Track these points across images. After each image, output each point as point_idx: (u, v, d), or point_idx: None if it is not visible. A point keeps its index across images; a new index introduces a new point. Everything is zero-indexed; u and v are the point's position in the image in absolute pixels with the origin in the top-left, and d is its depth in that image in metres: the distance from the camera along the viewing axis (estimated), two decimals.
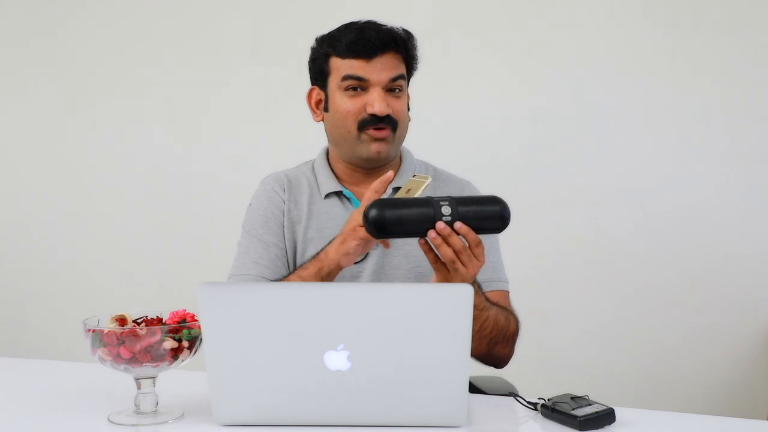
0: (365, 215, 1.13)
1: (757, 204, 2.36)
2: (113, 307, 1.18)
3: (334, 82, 1.44)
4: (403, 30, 1.46)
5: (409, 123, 1.51)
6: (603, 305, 2.46)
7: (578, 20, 2.46)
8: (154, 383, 1.13)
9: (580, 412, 1.07)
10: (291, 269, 1.48)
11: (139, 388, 1.13)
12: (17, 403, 1.23)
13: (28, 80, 2.95)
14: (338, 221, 1.47)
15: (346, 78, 1.42)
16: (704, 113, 2.39)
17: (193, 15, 2.78)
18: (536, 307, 2.36)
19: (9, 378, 1.43)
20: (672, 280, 2.41)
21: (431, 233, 1.13)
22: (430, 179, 1.26)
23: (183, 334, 1.09)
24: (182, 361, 1.11)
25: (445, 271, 1.18)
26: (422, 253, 1.21)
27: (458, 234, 1.14)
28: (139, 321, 1.13)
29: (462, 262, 1.16)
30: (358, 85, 1.41)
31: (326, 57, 1.45)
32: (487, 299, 1.33)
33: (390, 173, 1.26)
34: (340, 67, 1.43)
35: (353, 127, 1.42)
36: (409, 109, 1.51)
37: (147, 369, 1.09)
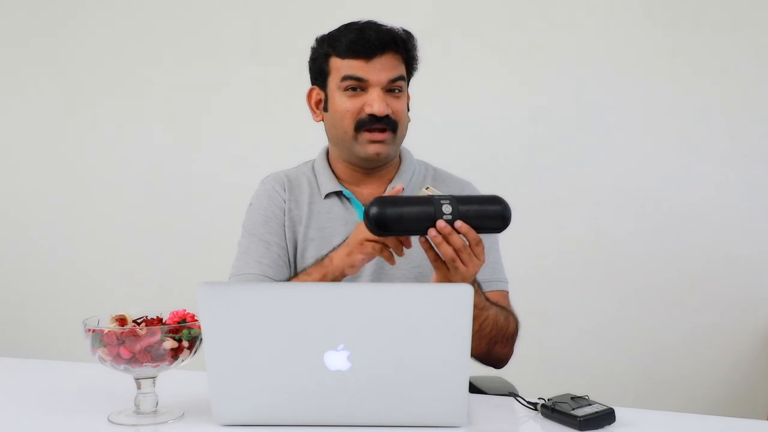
0: (366, 212, 1.13)
1: (757, 204, 2.36)
2: (113, 307, 1.18)
3: (333, 82, 1.44)
4: (404, 30, 1.46)
5: (409, 123, 1.51)
6: (603, 305, 2.46)
7: (578, 20, 2.46)
8: (154, 383, 1.13)
9: (580, 412, 1.07)
10: (292, 269, 1.48)
11: (139, 388, 1.13)
12: (17, 403, 1.23)
13: (28, 80, 2.94)
14: (338, 221, 1.48)
15: (345, 78, 1.42)
16: (704, 113, 2.39)
17: (193, 15, 2.78)
18: (536, 307, 2.36)
19: (9, 378, 1.43)
20: (672, 280, 2.41)
21: (432, 231, 1.13)
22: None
23: (183, 334, 1.09)
24: (182, 361, 1.11)
25: (445, 269, 1.18)
26: (422, 253, 1.21)
27: (459, 233, 1.14)
28: (139, 321, 1.13)
29: (462, 261, 1.16)
30: (357, 86, 1.41)
31: (326, 57, 1.45)
32: (487, 299, 1.33)
33: (400, 187, 1.26)
34: (340, 67, 1.43)
35: (350, 127, 1.42)
36: (409, 110, 1.51)
37: (147, 369, 1.09)
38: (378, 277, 1.45)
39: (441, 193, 1.23)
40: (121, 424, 1.10)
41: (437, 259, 1.18)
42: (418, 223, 1.14)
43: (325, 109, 1.48)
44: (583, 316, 2.48)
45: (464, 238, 1.15)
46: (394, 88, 1.43)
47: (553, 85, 2.48)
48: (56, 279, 2.93)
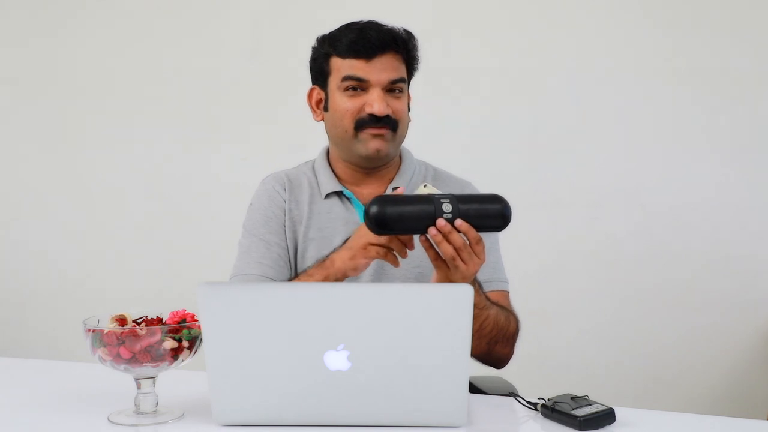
0: (366, 211, 1.13)
1: (757, 204, 2.36)
2: (113, 307, 1.18)
3: (334, 82, 1.44)
4: (404, 30, 1.46)
5: (410, 123, 1.51)
6: (603, 305, 2.46)
7: (578, 20, 2.46)
8: (154, 383, 1.13)
9: (580, 412, 1.07)
10: (292, 269, 1.48)
11: (139, 388, 1.13)
12: (17, 403, 1.23)
13: (28, 80, 2.94)
14: (339, 221, 1.48)
15: (346, 78, 1.42)
16: (704, 113, 2.39)
17: (193, 15, 2.78)
18: (536, 307, 2.36)
19: (9, 378, 1.43)
20: (672, 280, 2.41)
21: (432, 230, 1.13)
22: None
23: (183, 334, 1.09)
24: (182, 361, 1.11)
25: (445, 268, 1.18)
26: (423, 253, 1.21)
27: (459, 231, 1.14)
28: (139, 321, 1.13)
29: (462, 260, 1.16)
30: (358, 86, 1.41)
31: (327, 57, 1.46)
32: (488, 298, 1.33)
33: (402, 189, 1.27)
34: (341, 67, 1.43)
35: (350, 127, 1.42)
36: (409, 110, 1.51)
37: (147, 369, 1.09)
38: (378, 277, 1.45)
39: (439, 191, 1.23)
40: (121, 424, 1.10)
41: (437, 258, 1.18)
42: (419, 222, 1.14)
43: (326, 109, 1.48)
44: (583, 316, 2.48)
45: (464, 237, 1.15)
46: (395, 88, 1.43)
47: (553, 86, 2.48)
48: (56, 279, 2.93)
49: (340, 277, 1.29)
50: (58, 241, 2.92)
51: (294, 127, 2.33)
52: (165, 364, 1.09)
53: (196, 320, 1.12)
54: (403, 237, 1.22)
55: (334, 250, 1.31)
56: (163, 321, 1.13)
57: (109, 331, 1.07)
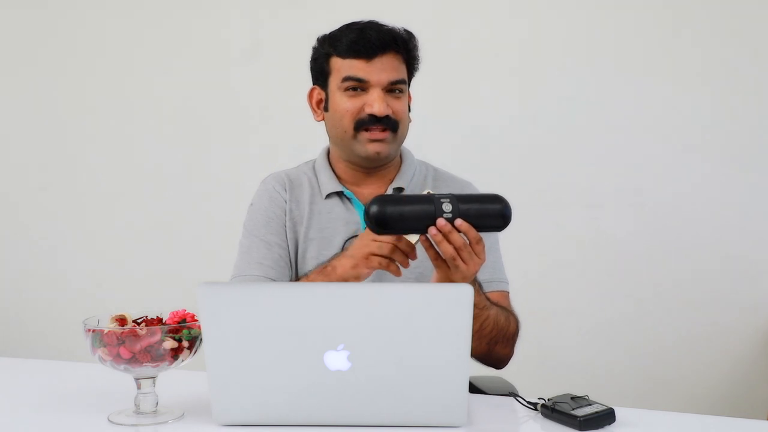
0: (366, 211, 1.13)
1: (757, 204, 2.36)
2: (113, 307, 1.18)
3: (334, 82, 1.44)
4: (405, 30, 1.46)
5: (410, 124, 1.51)
6: (603, 305, 2.46)
7: (578, 20, 2.46)
8: (154, 383, 1.13)
9: (580, 412, 1.07)
10: (293, 269, 1.47)
11: (139, 388, 1.13)
12: (17, 403, 1.23)
13: (28, 80, 2.94)
14: (339, 221, 1.47)
15: (346, 79, 1.42)
16: (704, 113, 2.39)
17: (193, 15, 2.78)
18: (536, 307, 2.36)
19: (9, 378, 1.43)
20: (672, 280, 2.41)
21: (432, 230, 1.13)
22: None
23: (183, 334, 1.09)
24: (182, 361, 1.11)
25: (445, 268, 1.18)
26: (423, 253, 1.21)
27: (459, 231, 1.14)
28: (139, 321, 1.13)
29: (463, 260, 1.16)
30: (358, 86, 1.41)
31: (327, 57, 1.46)
32: (488, 299, 1.33)
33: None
34: (341, 67, 1.43)
35: (350, 127, 1.42)
36: (410, 110, 1.51)
37: (147, 369, 1.09)
38: (379, 278, 1.44)
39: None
40: (121, 424, 1.10)
41: (438, 258, 1.18)
42: (419, 222, 1.14)
43: (326, 109, 1.48)
44: (583, 316, 2.48)
45: (465, 237, 1.15)
46: (395, 88, 1.43)
47: (553, 85, 2.48)
48: (56, 279, 2.93)
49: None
50: (58, 242, 2.92)
51: (294, 127, 2.33)
52: (165, 364, 1.09)
53: (196, 320, 1.12)
54: (406, 247, 1.22)
55: (335, 257, 1.31)
56: (163, 321, 1.13)
57: (109, 331, 1.07)
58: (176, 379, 1.20)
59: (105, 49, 2.86)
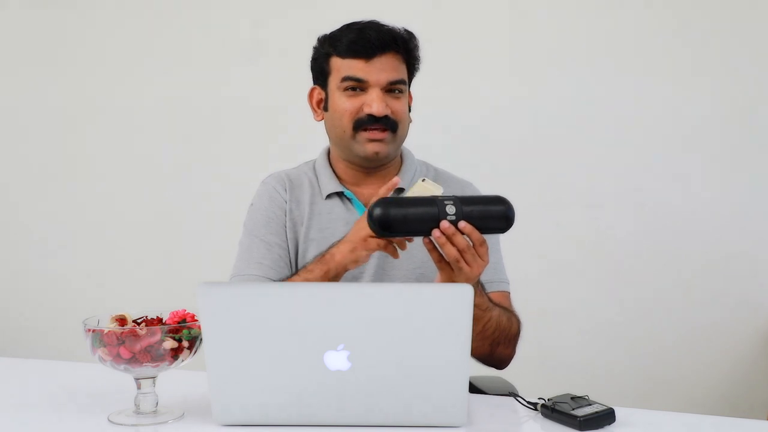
0: (370, 213, 1.13)
1: (757, 204, 2.36)
2: (113, 307, 1.18)
3: (333, 82, 1.44)
4: (405, 30, 1.46)
5: (411, 124, 1.51)
6: (603, 305, 2.46)
7: (578, 20, 2.46)
8: (154, 383, 1.13)
9: (580, 412, 1.07)
10: (293, 269, 1.47)
11: (139, 388, 1.13)
12: (17, 403, 1.23)
13: (28, 80, 2.94)
14: (340, 222, 1.47)
15: (345, 79, 1.42)
16: (704, 113, 2.39)
17: (193, 15, 2.78)
18: (536, 307, 2.36)
19: (9, 378, 1.43)
20: (672, 280, 2.41)
21: (435, 232, 1.13)
22: (441, 190, 1.25)
23: (183, 334, 1.09)
24: (182, 361, 1.11)
25: (449, 270, 1.18)
26: (424, 254, 1.21)
27: (462, 233, 1.14)
28: (139, 321, 1.13)
29: (466, 262, 1.16)
30: (357, 86, 1.41)
31: (327, 57, 1.46)
32: (490, 300, 1.33)
33: (396, 179, 1.27)
34: (340, 67, 1.43)
35: (349, 127, 1.42)
36: (410, 110, 1.51)
37: (147, 369, 1.09)
38: (379, 278, 1.45)
39: (436, 185, 1.23)
40: (121, 424, 1.10)
41: (441, 260, 1.18)
42: (422, 224, 1.14)
43: (326, 109, 1.49)
44: (583, 316, 2.48)
45: (468, 239, 1.15)
46: (394, 88, 1.43)
47: (553, 85, 2.48)
48: (56, 279, 2.93)
49: (341, 271, 1.29)
50: (59, 241, 2.92)
51: (294, 127, 2.33)
52: (165, 364, 1.10)
53: (196, 320, 1.12)
54: None
55: (333, 245, 1.31)
56: (163, 321, 1.13)
57: (109, 331, 1.07)
58: (176, 379, 1.20)
59: (105, 48, 2.86)
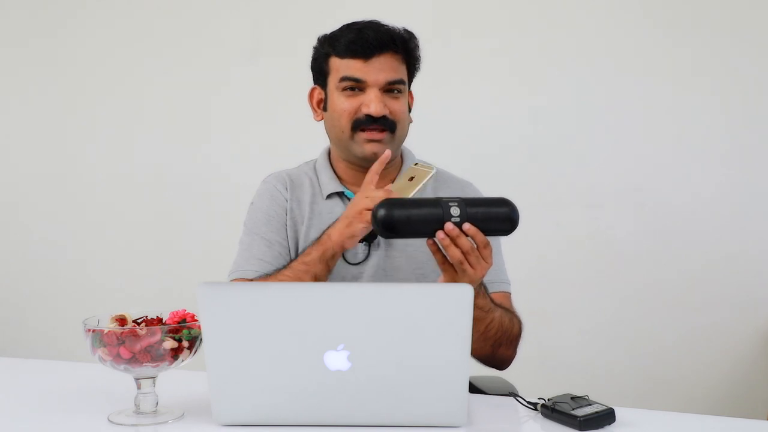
0: (374, 215, 1.13)
1: (757, 204, 2.36)
2: (113, 307, 1.18)
3: (332, 82, 1.44)
4: (405, 30, 1.46)
5: (411, 124, 1.51)
6: (603, 305, 2.46)
7: (578, 20, 2.46)
8: (154, 383, 1.13)
9: (580, 412, 1.07)
10: None
11: (139, 388, 1.13)
12: (17, 403, 1.23)
13: (28, 80, 2.95)
14: None
15: (343, 79, 1.42)
16: (704, 113, 2.39)
17: (193, 15, 2.78)
18: (536, 307, 2.35)
19: (9, 378, 1.43)
20: (672, 280, 2.41)
21: (440, 234, 1.13)
22: (434, 170, 1.26)
23: (183, 334, 1.09)
24: (182, 361, 1.11)
25: (452, 272, 1.18)
26: (425, 255, 1.21)
27: (466, 235, 1.14)
28: (139, 321, 1.13)
29: (470, 264, 1.16)
30: (355, 86, 1.41)
31: (326, 57, 1.46)
32: (492, 301, 1.33)
33: (388, 152, 1.27)
34: (339, 67, 1.43)
35: (347, 127, 1.42)
36: (411, 110, 1.51)
37: (147, 369, 1.09)
38: (379, 279, 1.44)
39: (429, 166, 1.22)
40: (121, 424, 1.10)
41: (445, 262, 1.18)
42: (426, 226, 1.13)
43: (325, 109, 1.49)
44: (583, 316, 2.48)
45: (472, 241, 1.15)
46: (393, 89, 1.42)
47: (553, 85, 2.48)
48: (56, 279, 2.93)
49: (338, 250, 1.30)
50: (59, 241, 2.92)
51: (294, 127, 2.33)
52: (165, 364, 1.09)
53: (196, 320, 1.12)
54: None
55: (329, 226, 1.32)
56: (163, 321, 1.13)
57: (109, 331, 1.07)
58: (176, 379, 1.20)
59: (105, 49, 2.86)
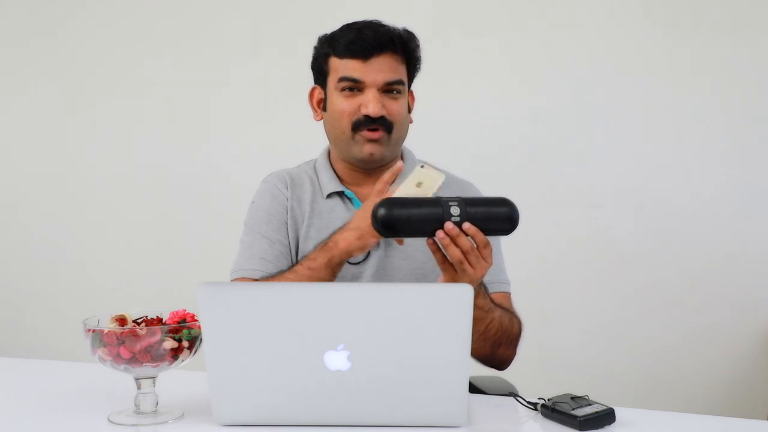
0: (373, 213, 1.13)
1: (757, 204, 2.36)
2: (113, 307, 1.18)
3: (332, 82, 1.44)
4: (405, 30, 1.45)
5: (411, 124, 1.51)
6: (603, 305, 2.46)
7: (578, 20, 2.46)
8: (154, 383, 1.13)
9: (580, 412, 1.07)
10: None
11: (139, 388, 1.13)
12: (17, 403, 1.23)
13: (28, 80, 2.94)
14: (340, 221, 1.46)
15: (342, 79, 1.42)
16: (704, 113, 2.39)
17: (193, 15, 2.78)
18: (536, 307, 2.36)
19: (9, 378, 1.43)
20: (672, 280, 2.41)
21: (439, 233, 1.13)
22: (443, 178, 1.23)
23: (183, 334, 1.09)
24: (182, 361, 1.11)
25: (452, 271, 1.18)
26: (425, 255, 1.20)
27: (466, 235, 1.14)
28: (139, 321, 1.13)
29: (470, 263, 1.16)
30: (354, 86, 1.41)
31: (326, 57, 1.46)
32: (492, 301, 1.33)
33: (401, 164, 1.26)
34: (338, 67, 1.43)
35: (347, 128, 1.42)
36: (411, 111, 1.51)
37: (147, 369, 1.09)
38: (379, 279, 1.44)
39: (437, 169, 1.22)
40: (121, 424, 1.10)
41: (445, 261, 1.18)
42: (426, 225, 1.13)
43: (324, 109, 1.49)
44: (583, 316, 2.48)
45: (472, 240, 1.15)
46: (392, 89, 1.42)
47: (553, 85, 2.48)
48: (56, 279, 2.93)
49: (344, 258, 1.29)
50: (59, 241, 2.92)
51: (294, 127, 2.33)
52: (165, 364, 1.09)
53: (196, 320, 1.12)
54: None
55: (336, 232, 1.31)
56: (163, 321, 1.13)
57: (109, 331, 1.07)
58: (176, 379, 1.20)
59: (105, 49, 2.86)
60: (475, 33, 2.54)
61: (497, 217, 1.15)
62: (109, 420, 1.11)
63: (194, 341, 1.11)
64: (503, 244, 1.53)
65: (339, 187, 1.49)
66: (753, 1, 2.34)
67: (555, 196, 2.48)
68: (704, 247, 2.39)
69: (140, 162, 2.83)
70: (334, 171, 1.52)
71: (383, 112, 1.40)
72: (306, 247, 1.47)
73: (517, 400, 1.19)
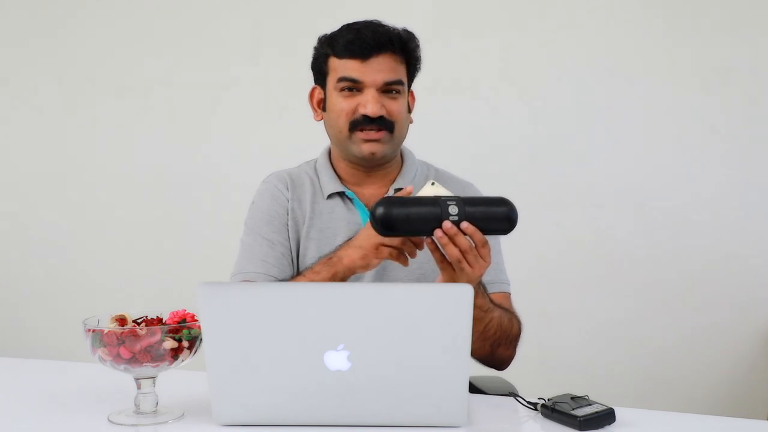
0: (372, 212, 1.13)
1: (757, 204, 2.36)
2: (113, 307, 1.18)
3: (331, 82, 1.45)
4: (404, 30, 1.46)
5: (411, 124, 1.50)
6: (603, 305, 2.46)
7: (578, 20, 2.46)
8: (154, 383, 1.13)
9: (580, 412, 1.07)
10: (294, 268, 1.47)
11: (139, 388, 1.13)
12: (17, 403, 1.23)
13: (28, 80, 2.94)
14: (341, 221, 1.47)
15: (341, 79, 1.42)
16: (704, 113, 2.39)
17: (193, 15, 2.78)
18: (536, 307, 2.36)
19: (9, 378, 1.43)
20: (672, 280, 2.41)
21: (438, 232, 1.13)
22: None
23: (183, 334, 1.09)
24: (182, 361, 1.11)
25: (451, 271, 1.18)
26: (424, 254, 1.20)
27: (465, 234, 1.14)
28: (139, 321, 1.13)
29: (468, 262, 1.16)
30: (353, 86, 1.41)
31: (325, 57, 1.46)
32: (491, 301, 1.33)
33: (410, 188, 1.26)
34: (337, 67, 1.43)
35: (345, 127, 1.43)
36: (411, 111, 1.51)
37: (147, 369, 1.09)
38: (379, 279, 1.45)
39: (446, 190, 1.23)
40: (121, 424, 1.10)
41: (443, 260, 1.18)
42: (425, 224, 1.14)
43: (324, 109, 1.49)
44: (583, 316, 2.48)
45: (470, 240, 1.15)
46: (391, 89, 1.42)
47: (553, 85, 2.48)
48: (56, 279, 2.93)
49: (348, 275, 1.28)
50: (58, 241, 2.92)
51: (294, 127, 2.33)
52: (165, 364, 1.09)
53: (196, 320, 1.12)
54: (415, 238, 1.22)
55: (340, 247, 1.30)
56: (163, 321, 1.13)
57: (109, 331, 1.07)
58: (176, 379, 1.20)
59: (105, 49, 2.86)
60: (475, 33, 2.54)
61: (496, 216, 1.15)
62: (109, 420, 1.11)
63: (194, 341, 1.11)
64: (503, 244, 1.53)
65: (340, 188, 1.49)
66: (753, 1, 2.34)
67: (555, 196, 2.48)
68: (704, 247, 2.39)
69: (140, 162, 2.83)
70: (335, 171, 1.52)
71: (382, 112, 1.40)
72: (306, 247, 1.47)
73: (517, 400, 1.19)
